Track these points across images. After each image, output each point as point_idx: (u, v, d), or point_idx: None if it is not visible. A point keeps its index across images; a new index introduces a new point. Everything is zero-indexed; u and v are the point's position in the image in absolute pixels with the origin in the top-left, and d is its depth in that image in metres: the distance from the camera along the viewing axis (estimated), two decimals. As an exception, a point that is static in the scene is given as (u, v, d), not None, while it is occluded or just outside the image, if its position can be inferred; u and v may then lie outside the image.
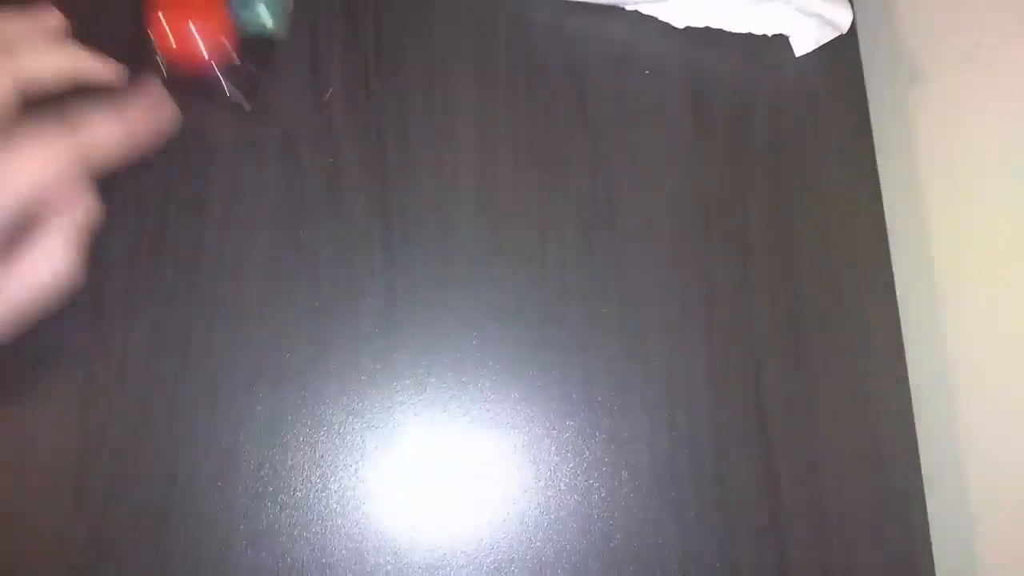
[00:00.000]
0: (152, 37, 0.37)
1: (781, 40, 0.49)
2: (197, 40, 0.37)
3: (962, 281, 0.50)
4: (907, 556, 0.42)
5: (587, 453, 0.41)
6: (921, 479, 0.43)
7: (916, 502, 0.43)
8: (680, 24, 0.48)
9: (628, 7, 0.48)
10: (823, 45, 0.49)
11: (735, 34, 0.48)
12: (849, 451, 0.43)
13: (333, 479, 0.39)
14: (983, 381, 0.48)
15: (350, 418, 0.39)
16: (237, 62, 0.38)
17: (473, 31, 0.46)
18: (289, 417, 0.39)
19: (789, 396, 0.43)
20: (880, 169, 0.48)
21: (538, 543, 0.39)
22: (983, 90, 0.49)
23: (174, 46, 0.37)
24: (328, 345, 0.40)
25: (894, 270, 0.47)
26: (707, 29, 0.48)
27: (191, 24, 0.36)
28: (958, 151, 0.51)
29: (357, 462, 0.39)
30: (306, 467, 0.39)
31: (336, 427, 0.39)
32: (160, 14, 0.37)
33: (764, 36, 0.48)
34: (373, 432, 0.40)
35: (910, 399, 0.45)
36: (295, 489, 0.38)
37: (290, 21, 0.41)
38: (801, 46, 0.48)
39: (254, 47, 0.40)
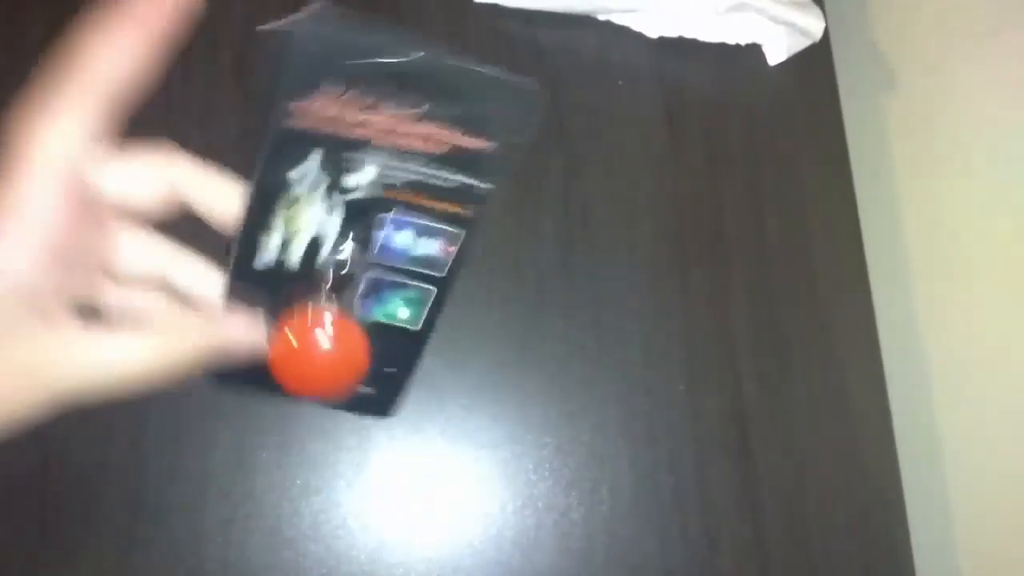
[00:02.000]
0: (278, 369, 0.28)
1: (754, 49, 0.48)
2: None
3: (938, 284, 0.50)
4: (889, 567, 0.42)
5: (566, 470, 0.40)
6: (901, 489, 0.43)
7: (897, 512, 0.43)
8: (653, 34, 0.47)
9: (600, 17, 0.48)
10: (796, 53, 0.49)
11: (708, 44, 0.48)
12: (830, 462, 0.43)
13: (304, 503, 0.38)
14: (962, 388, 0.48)
15: (321, 440, 0.38)
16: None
17: (444, 40, 0.46)
18: (257, 440, 0.38)
19: (769, 407, 0.43)
20: (855, 175, 0.48)
21: (516, 564, 0.39)
22: (954, 94, 0.50)
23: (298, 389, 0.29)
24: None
25: (870, 276, 0.47)
26: (680, 39, 0.48)
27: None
28: (931, 154, 0.52)
29: (329, 485, 0.38)
30: (276, 491, 0.38)
31: (307, 449, 0.38)
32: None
33: (737, 45, 0.48)
34: (345, 454, 0.39)
35: (889, 409, 0.44)
36: (265, 514, 0.37)
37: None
38: (774, 55, 0.48)
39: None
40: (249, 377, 0.28)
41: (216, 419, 0.38)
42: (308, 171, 0.24)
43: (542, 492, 0.40)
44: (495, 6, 0.46)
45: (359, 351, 0.28)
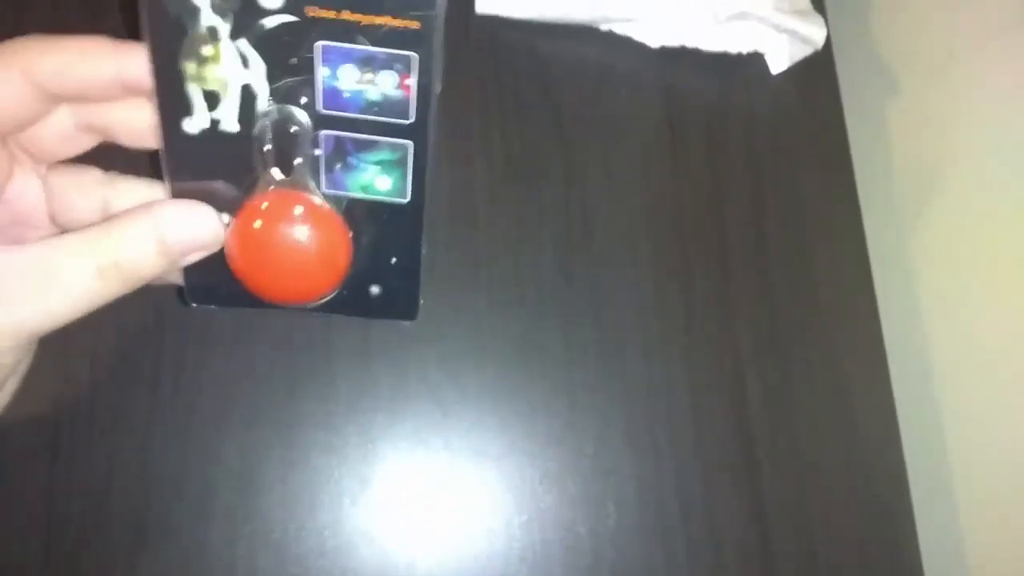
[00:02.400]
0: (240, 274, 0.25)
1: (756, 58, 0.48)
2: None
3: (943, 290, 0.50)
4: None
5: (571, 484, 0.40)
6: (910, 500, 0.43)
7: (906, 523, 0.43)
8: (655, 44, 0.47)
9: (602, 27, 0.47)
10: (798, 62, 0.48)
11: (710, 53, 0.48)
12: (836, 470, 0.43)
13: (310, 519, 0.38)
14: (970, 396, 0.47)
15: (325, 456, 0.38)
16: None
17: (447, 49, 0.46)
18: (263, 456, 0.38)
19: (774, 417, 0.43)
20: (858, 182, 0.48)
21: (523, 578, 0.38)
22: (957, 101, 0.50)
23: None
24: (302, 381, 0.39)
25: (874, 282, 0.46)
26: (682, 48, 0.47)
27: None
28: (935, 160, 0.51)
29: (334, 501, 0.38)
30: (281, 508, 0.37)
31: (312, 466, 0.38)
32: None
33: (739, 54, 0.48)
34: (350, 468, 0.38)
35: (896, 418, 0.44)
36: (271, 531, 0.37)
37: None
38: (776, 64, 0.48)
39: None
40: (222, 287, 0.25)
41: (221, 435, 0.38)
42: (196, 11, 0.21)
43: (548, 506, 0.39)
44: (496, 16, 0.46)
45: (335, 237, 0.24)
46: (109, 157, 0.26)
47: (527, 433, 0.40)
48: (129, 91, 0.23)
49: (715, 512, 0.41)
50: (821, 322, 0.45)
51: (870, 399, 0.44)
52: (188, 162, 0.23)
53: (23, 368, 0.26)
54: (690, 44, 0.47)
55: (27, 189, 0.25)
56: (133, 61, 0.22)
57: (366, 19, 0.21)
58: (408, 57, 0.22)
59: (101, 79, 0.22)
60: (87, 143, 0.25)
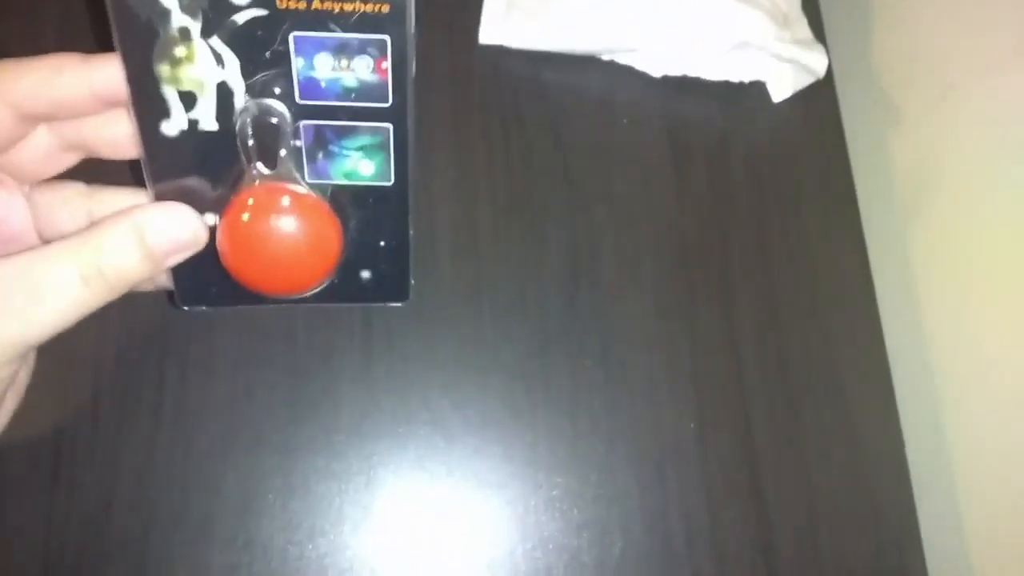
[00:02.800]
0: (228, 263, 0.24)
1: (758, 87, 0.49)
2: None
3: (948, 318, 0.50)
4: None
5: (576, 512, 0.39)
6: (917, 525, 0.42)
7: (913, 548, 0.42)
8: (657, 73, 0.48)
9: (604, 57, 0.48)
10: (800, 91, 0.49)
11: (712, 82, 0.48)
12: (843, 499, 0.42)
13: (310, 546, 0.37)
14: (976, 421, 0.47)
15: (326, 482, 0.38)
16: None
17: (449, 80, 0.46)
18: (264, 483, 0.38)
19: (780, 446, 0.42)
20: (861, 209, 0.48)
21: (526, 609, 0.38)
22: (957, 128, 0.50)
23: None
24: (304, 407, 0.39)
25: (879, 309, 0.46)
26: (684, 78, 0.48)
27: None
28: (938, 186, 0.52)
29: (335, 528, 0.38)
30: (282, 535, 0.37)
31: (313, 492, 0.38)
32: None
33: (741, 83, 0.48)
34: (351, 495, 0.38)
35: (902, 443, 0.44)
36: (271, 559, 0.37)
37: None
38: (778, 92, 0.49)
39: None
40: (212, 288, 0.25)
41: (221, 462, 0.38)
42: (166, 13, 0.20)
43: (552, 533, 0.39)
44: (500, 47, 0.47)
45: (325, 225, 0.24)
46: (92, 171, 0.26)
47: (531, 460, 0.40)
48: (104, 103, 0.23)
49: (721, 540, 0.40)
50: (826, 350, 0.45)
51: (876, 427, 0.44)
52: (169, 164, 0.22)
53: (21, 383, 0.26)
54: (692, 73, 0.48)
55: (13, 209, 0.25)
56: (105, 72, 0.22)
57: (337, 6, 0.21)
58: (382, 41, 0.21)
59: (75, 94, 0.22)
60: (69, 161, 0.26)
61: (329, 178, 0.24)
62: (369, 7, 0.21)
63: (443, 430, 0.40)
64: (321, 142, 0.23)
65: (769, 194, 0.47)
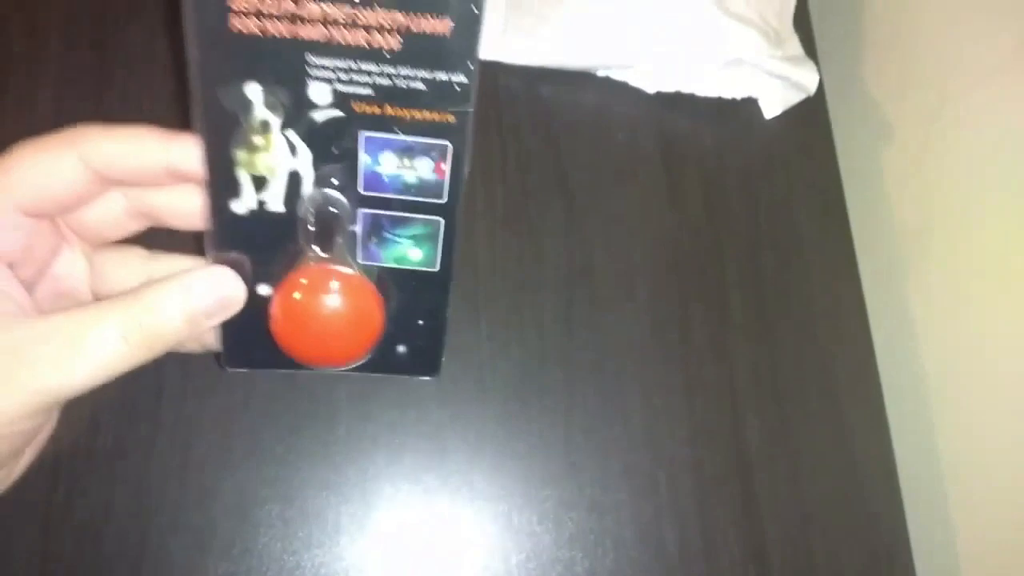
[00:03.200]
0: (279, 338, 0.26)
1: (750, 103, 0.50)
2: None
3: (939, 329, 0.50)
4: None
5: (569, 522, 0.40)
6: (908, 536, 0.43)
7: (903, 559, 0.43)
8: (651, 89, 0.49)
9: (600, 73, 0.49)
10: (792, 107, 0.50)
11: (705, 98, 0.49)
12: (835, 510, 0.43)
13: (306, 556, 0.37)
14: (967, 433, 0.48)
15: (323, 492, 0.38)
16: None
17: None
18: (261, 493, 0.38)
19: (772, 456, 0.43)
20: (852, 223, 0.49)
21: (520, 619, 0.38)
22: (947, 142, 0.51)
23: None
24: (301, 418, 0.40)
25: (870, 322, 0.47)
26: (678, 94, 0.49)
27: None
28: (928, 200, 0.52)
29: (331, 538, 0.38)
30: (278, 544, 0.37)
31: (309, 502, 0.38)
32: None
33: (734, 99, 0.49)
34: (347, 506, 0.39)
35: (893, 453, 0.44)
36: (267, 568, 0.37)
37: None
38: (770, 109, 0.49)
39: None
40: (257, 352, 0.26)
41: (219, 471, 0.38)
42: (249, 106, 0.22)
43: (546, 544, 0.39)
44: (498, 63, 0.48)
45: (370, 305, 0.25)
46: (154, 236, 0.27)
47: (525, 472, 0.40)
48: (177, 178, 0.24)
49: (713, 550, 0.40)
50: (818, 361, 0.45)
51: (867, 438, 0.44)
52: (232, 238, 0.24)
53: (42, 438, 0.26)
54: (686, 89, 0.49)
55: (73, 266, 0.26)
56: (184, 150, 0.23)
57: (407, 113, 0.23)
58: (444, 146, 0.23)
59: (152, 166, 0.23)
60: (135, 227, 0.27)
61: (380, 261, 0.25)
62: (436, 116, 0.23)
63: (438, 442, 0.40)
64: (376, 229, 0.25)
65: (761, 208, 0.48)
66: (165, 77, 0.44)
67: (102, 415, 0.38)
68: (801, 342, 0.45)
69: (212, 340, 0.27)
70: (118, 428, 0.38)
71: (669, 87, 0.49)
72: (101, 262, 0.26)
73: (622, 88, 0.49)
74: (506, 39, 0.47)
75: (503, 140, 0.47)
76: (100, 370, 0.22)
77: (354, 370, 0.28)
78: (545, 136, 0.47)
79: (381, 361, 0.27)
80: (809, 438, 0.43)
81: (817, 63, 0.50)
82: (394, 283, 0.26)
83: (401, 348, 0.27)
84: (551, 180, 0.46)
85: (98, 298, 0.27)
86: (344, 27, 0.21)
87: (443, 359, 0.28)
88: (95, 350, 0.22)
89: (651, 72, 0.48)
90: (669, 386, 0.43)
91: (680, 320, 0.44)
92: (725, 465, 0.42)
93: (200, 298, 0.23)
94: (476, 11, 0.21)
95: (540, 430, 0.41)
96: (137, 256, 0.26)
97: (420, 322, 0.27)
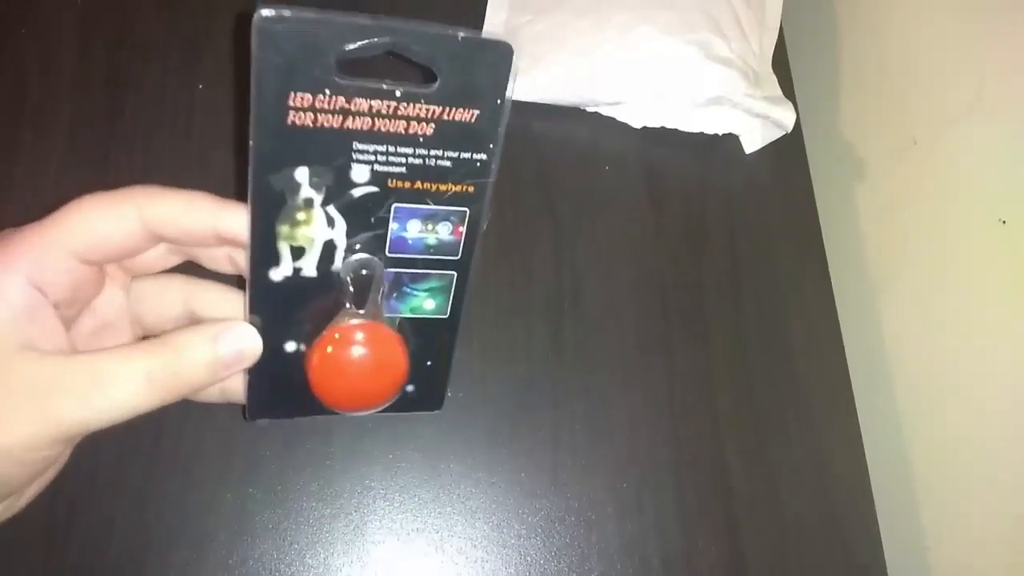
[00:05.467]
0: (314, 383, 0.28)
1: (731, 139, 0.52)
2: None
3: (911, 355, 0.52)
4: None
5: (556, 536, 0.41)
6: (882, 550, 0.44)
7: (878, 572, 0.44)
8: (638, 125, 0.51)
9: (589, 109, 0.51)
10: (770, 143, 0.52)
11: (689, 133, 0.52)
12: (812, 527, 0.44)
13: (302, 568, 0.39)
14: (938, 459, 0.49)
15: (320, 505, 0.40)
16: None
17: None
18: (259, 505, 0.39)
19: (751, 475, 0.44)
20: (828, 253, 0.51)
21: (508, 630, 0.39)
22: (920, 178, 0.53)
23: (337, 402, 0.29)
24: (299, 432, 0.41)
25: (845, 348, 0.49)
26: (663, 129, 0.51)
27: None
28: (900, 233, 0.55)
29: (327, 550, 0.39)
30: (275, 556, 0.39)
31: (305, 515, 0.39)
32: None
33: (715, 135, 0.52)
34: (343, 519, 0.40)
35: (868, 475, 0.46)
36: (264, 578, 0.38)
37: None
38: (750, 144, 0.52)
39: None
40: (279, 404, 0.28)
41: (218, 483, 0.39)
42: (297, 187, 0.24)
43: (535, 558, 0.41)
44: (492, 98, 0.50)
45: (398, 355, 0.28)
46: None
47: (514, 488, 0.42)
48: (223, 242, 0.26)
49: (696, 566, 0.42)
50: (795, 385, 0.47)
51: (843, 460, 0.46)
52: (268, 299, 0.26)
53: (52, 472, 0.28)
54: (670, 125, 0.51)
55: (114, 301, 0.28)
56: (232, 219, 0.25)
57: (434, 186, 0.26)
58: (463, 212, 0.27)
59: (202, 229, 0.25)
60: (174, 262, 0.29)
61: (398, 312, 0.28)
62: (459, 188, 0.26)
63: (431, 458, 0.42)
64: (397, 285, 0.28)
65: (741, 238, 0.50)
66: (176, 112, 0.46)
67: (103, 433, 0.39)
68: (779, 367, 0.47)
69: (236, 394, 0.29)
70: (121, 444, 0.39)
71: (655, 123, 0.51)
72: (141, 290, 0.28)
73: (610, 123, 0.51)
74: (500, 76, 0.50)
75: (497, 171, 0.49)
76: (122, 406, 0.24)
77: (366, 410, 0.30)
78: (537, 167, 0.50)
79: (392, 401, 0.30)
80: (787, 459, 0.45)
81: (795, 102, 0.53)
82: (409, 330, 0.28)
83: (410, 388, 0.30)
84: (542, 209, 0.49)
85: (141, 324, 0.28)
86: (387, 118, 0.24)
87: (447, 395, 0.31)
88: (120, 387, 0.24)
89: (638, 109, 0.51)
90: (653, 407, 0.45)
91: (664, 343, 0.46)
92: (707, 484, 0.44)
93: (223, 348, 0.25)
94: (501, 102, 0.24)
95: (529, 448, 0.43)
96: (176, 283, 0.29)
97: (428, 363, 0.30)
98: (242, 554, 0.38)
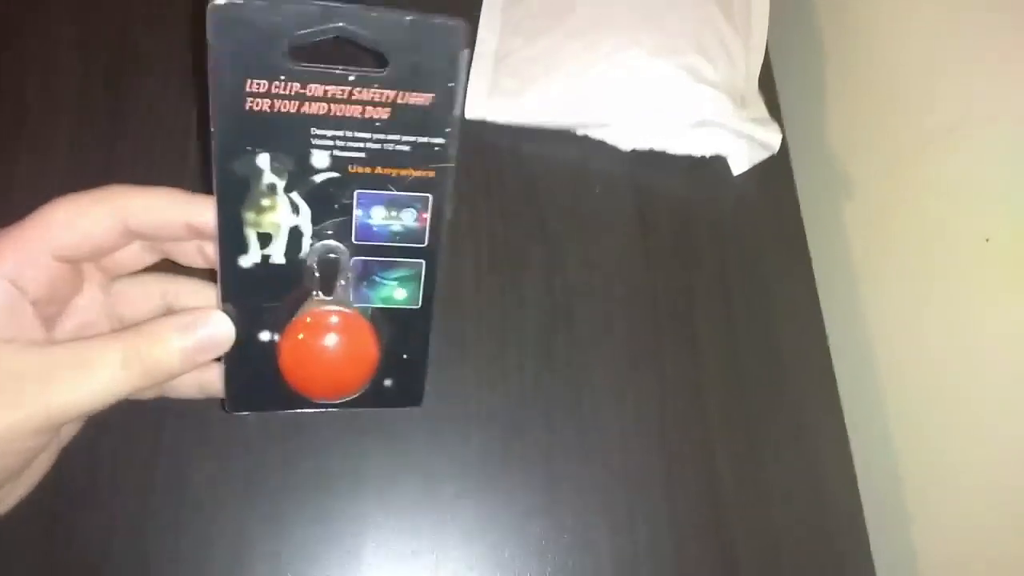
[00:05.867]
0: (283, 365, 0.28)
1: (719, 160, 0.53)
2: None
3: (898, 368, 0.53)
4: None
5: (550, 555, 0.42)
6: (872, 563, 0.45)
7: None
8: (627, 147, 0.52)
9: (579, 132, 0.52)
10: (758, 163, 0.53)
11: (677, 155, 0.52)
12: (803, 540, 0.45)
13: (299, 588, 0.39)
14: (927, 462, 0.50)
15: (315, 527, 0.40)
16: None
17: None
18: (255, 529, 0.40)
19: (742, 488, 0.45)
20: (815, 270, 0.52)
21: (504, 649, 0.40)
22: (905, 198, 0.54)
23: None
24: (296, 454, 0.41)
25: (833, 359, 0.49)
26: (651, 151, 0.52)
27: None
28: (885, 251, 0.56)
29: (324, 571, 0.39)
30: (271, 574, 0.39)
31: (300, 538, 0.40)
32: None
33: (703, 157, 0.53)
34: (338, 541, 0.40)
35: (856, 482, 0.46)
36: (261, 599, 0.38)
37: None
38: (737, 165, 0.53)
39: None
40: (258, 396, 0.29)
41: (216, 508, 0.40)
42: (260, 173, 0.25)
43: (530, 575, 0.41)
44: (484, 121, 0.51)
45: (368, 341, 0.28)
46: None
47: (508, 508, 0.42)
48: (194, 234, 0.27)
49: (688, 583, 0.42)
50: (785, 397, 0.48)
51: (833, 469, 0.47)
52: (238, 287, 0.27)
53: (41, 466, 0.28)
54: (658, 147, 0.52)
55: (93, 301, 0.29)
56: (202, 211, 0.26)
57: (394, 172, 0.26)
58: (425, 198, 0.27)
59: (174, 223, 0.26)
60: (149, 261, 0.30)
61: (370, 302, 0.28)
62: (419, 172, 0.26)
63: (427, 477, 0.42)
64: (367, 273, 0.28)
65: (730, 257, 0.51)
66: (176, 120, 0.47)
67: (101, 453, 0.40)
68: (768, 381, 0.48)
69: (214, 387, 0.29)
70: (117, 466, 0.40)
71: (643, 145, 0.52)
72: (120, 287, 0.29)
73: (599, 146, 0.52)
74: (492, 100, 0.51)
75: (488, 192, 0.50)
76: (101, 392, 0.25)
77: (346, 405, 0.30)
78: (527, 189, 0.51)
79: (371, 396, 0.30)
80: (777, 468, 0.46)
81: (781, 122, 0.54)
82: (382, 321, 0.29)
83: (388, 382, 0.30)
84: (533, 230, 0.49)
85: (121, 321, 0.29)
86: (342, 103, 0.25)
87: (425, 389, 0.31)
88: (98, 374, 0.25)
89: (627, 131, 0.52)
90: (645, 424, 0.45)
91: (655, 360, 0.47)
92: (698, 497, 0.44)
93: (197, 333, 0.26)
94: (452, 85, 0.25)
95: (523, 467, 0.43)
96: (153, 277, 0.29)
97: (404, 356, 0.30)
98: (240, 571, 0.39)
